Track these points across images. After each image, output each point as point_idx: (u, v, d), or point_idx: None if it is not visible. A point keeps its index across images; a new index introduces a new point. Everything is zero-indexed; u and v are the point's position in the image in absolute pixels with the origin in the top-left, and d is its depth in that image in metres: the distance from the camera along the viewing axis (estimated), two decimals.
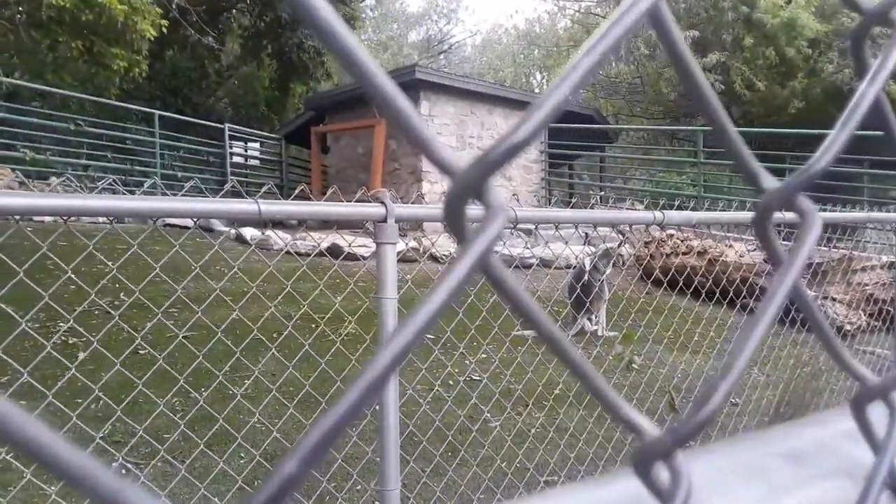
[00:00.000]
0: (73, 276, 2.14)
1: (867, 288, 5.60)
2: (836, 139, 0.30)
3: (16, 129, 10.07)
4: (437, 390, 3.44)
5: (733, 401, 3.55)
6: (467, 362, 4.44)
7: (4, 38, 11.41)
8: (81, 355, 4.06)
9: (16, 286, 1.79)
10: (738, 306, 3.69)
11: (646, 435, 0.28)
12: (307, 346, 2.33)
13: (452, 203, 0.24)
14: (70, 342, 4.41)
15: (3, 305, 1.81)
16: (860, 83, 0.32)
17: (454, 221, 0.24)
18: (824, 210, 3.42)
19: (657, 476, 0.27)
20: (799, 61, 14.25)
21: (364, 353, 3.55)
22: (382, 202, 1.77)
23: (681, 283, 3.46)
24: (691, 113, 15.90)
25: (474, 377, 3.94)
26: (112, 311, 4.51)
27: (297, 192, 2.01)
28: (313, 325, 4.51)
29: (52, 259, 2.13)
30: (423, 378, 3.56)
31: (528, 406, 3.47)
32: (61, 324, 4.72)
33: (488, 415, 3.26)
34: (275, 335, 4.79)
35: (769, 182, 0.32)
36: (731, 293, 3.73)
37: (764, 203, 0.31)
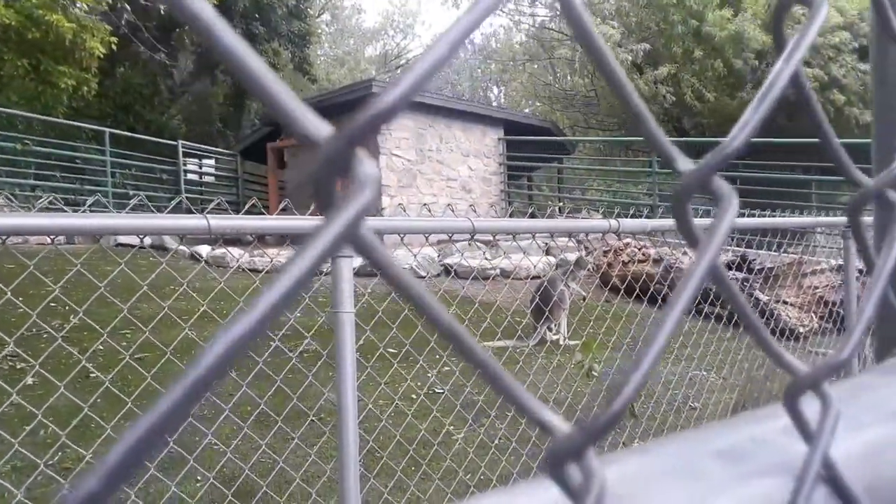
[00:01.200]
0: (17, 299, 2.06)
1: (818, 291, 5.75)
2: (750, 118, 0.30)
3: None
4: (398, 404, 3.41)
5: (692, 405, 3.60)
6: (429, 375, 4.42)
7: None
8: (29, 380, 3.92)
9: None
10: (692, 312, 3.75)
11: (557, 433, 0.27)
12: (261, 363, 2.28)
13: (321, 177, 0.22)
14: (18, 367, 4.26)
15: None
16: (777, 61, 0.32)
17: (323, 195, 0.22)
18: (774, 216, 3.51)
19: (570, 477, 0.26)
20: (746, 73, 14.68)
21: (322, 369, 3.50)
22: None
23: (637, 291, 3.50)
24: None
25: (437, 390, 3.92)
26: (55, 334, 4.38)
27: (247, 206, 1.98)
28: (271, 343, 4.44)
29: None
30: (383, 392, 3.52)
31: (489, 417, 3.46)
32: (9, 347, 4.56)
33: (451, 427, 3.24)
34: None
35: (685, 164, 0.32)
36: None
37: (681, 185, 0.31)
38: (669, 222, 2.89)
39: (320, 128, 0.21)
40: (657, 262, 6.26)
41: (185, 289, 2.39)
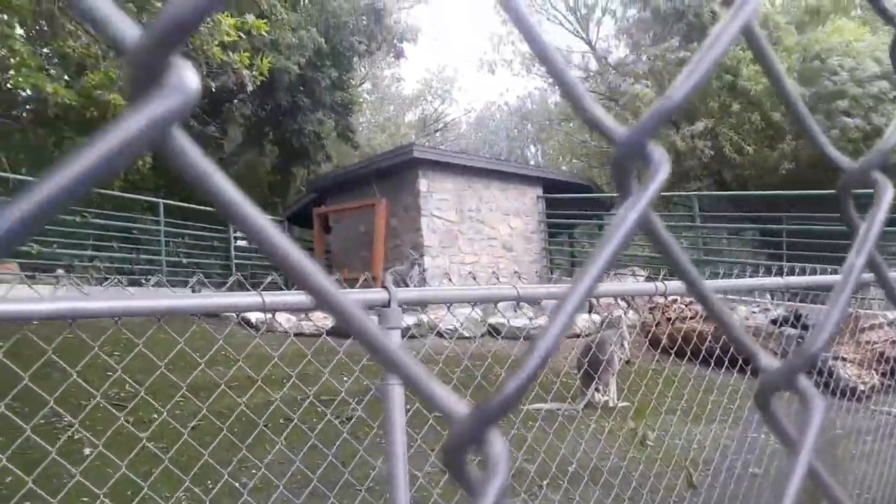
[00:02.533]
0: (75, 372, 2.11)
1: (876, 346, 5.52)
2: (693, 71, 0.31)
3: None
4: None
5: (753, 471, 3.44)
6: None
7: (11, 137, 11.70)
8: (87, 451, 3.97)
9: (20, 386, 1.77)
10: (748, 372, 3.62)
11: (455, 419, 0.26)
12: (313, 438, 2.27)
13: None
14: (75, 437, 4.32)
15: (6, 412, 1.78)
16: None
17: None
18: (826, 270, 3.41)
19: (468, 470, 0.25)
20: (785, 124, 14.55)
21: (373, 438, 3.46)
22: (385, 287, 1.76)
23: (689, 352, 3.41)
24: (684, 177, 16.11)
25: None
26: (109, 406, 4.44)
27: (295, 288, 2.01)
28: (320, 410, 4.43)
29: (56, 357, 2.11)
30: (432, 462, 3.46)
31: (542, 487, 3.36)
32: (66, 419, 4.64)
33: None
34: (282, 421, 4.69)
35: (620, 132, 0.34)
36: (740, 359, 3.68)
37: (620, 150, 0.33)
38: (718, 283, 2.83)
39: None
40: (706, 319, 6.10)
41: (231, 355, 2.41)
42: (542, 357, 0.26)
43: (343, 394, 2.91)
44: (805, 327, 5.91)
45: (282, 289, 2.15)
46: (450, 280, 3.08)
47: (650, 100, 16.13)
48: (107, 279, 10.53)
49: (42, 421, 4.37)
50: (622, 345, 5.24)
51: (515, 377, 0.25)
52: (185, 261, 12.73)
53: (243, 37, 7.96)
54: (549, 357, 0.26)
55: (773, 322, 6.22)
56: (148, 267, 11.81)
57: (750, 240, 12.29)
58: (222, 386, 3.37)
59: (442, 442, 0.25)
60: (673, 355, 3.79)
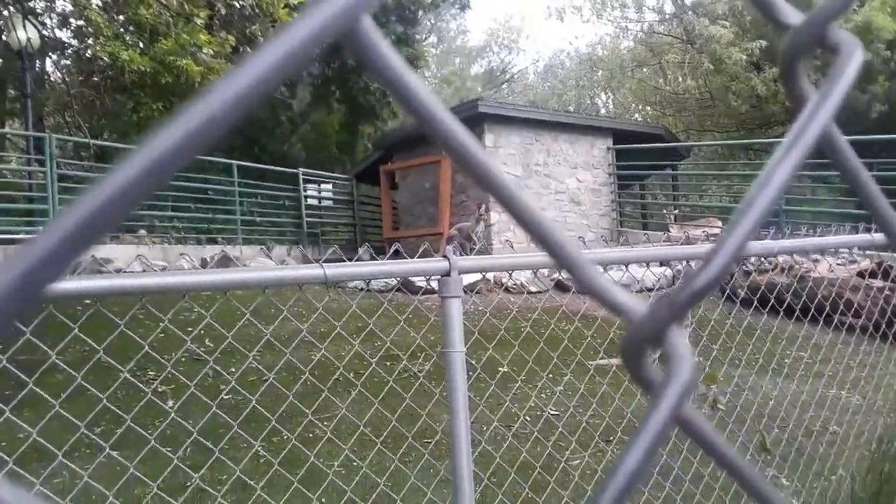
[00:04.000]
0: (165, 324, 2.21)
1: None
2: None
3: None
4: (509, 428, 3.35)
5: (832, 429, 3.30)
6: (543, 395, 4.33)
7: (92, 103, 12.21)
8: (171, 403, 4.19)
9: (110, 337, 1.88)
10: (834, 323, 3.45)
11: (634, 316, 0.25)
12: (391, 383, 2.30)
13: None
14: (159, 390, 4.56)
15: (104, 356, 1.88)
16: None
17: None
18: None
19: (648, 369, 0.25)
20: (878, 64, 13.55)
21: (427, 392, 3.50)
22: (446, 256, 1.74)
23: (772, 302, 3.27)
24: (766, 124, 15.31)
25: (550, 412, 3.82)
26: (203, 356, 4.64)
27: (362, 249, 2.02)
28: (388, 364, 4.52)
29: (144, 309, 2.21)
30: (486, 416, 3.48)
31: (609, 442, 3.33)
32: (150, 371, 4.90)
33: (568, 453, 3.15)
34: (351, 375, 4.80)
35: (794, 18, 0.30)
36: (826, 310, 3.50)
37: (792, 40, 0.29)
38: (801, 242, 2.67)
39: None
40: (785, 270, 5.84)
41: (316, 313, 2.46)
42: (731, 255, 0.25)
43: (412, 343, 2.94)
44: (894, 281, 5.57)
45: (343, 256, 2.17)
46: (510, 244, 3.04)
47: (728, 41, 15.31)
48: (185, 238, 11.00)
49: (137, 371, 4.63)
50: None
51: (703, 274, 0.25)
52: (258, 219, 13.11)
53: None
54: (736, 259, 0.25)
55: (860, 275, 5.90)
56: (223, 227, 12.23)
57: (836, 187, 11.63)
58: (295, 342, 3.46)
59: (621, 341, 0.26)
60: (751, 309, 3.64)
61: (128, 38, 11.04)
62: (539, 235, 0.26)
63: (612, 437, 3.47)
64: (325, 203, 15.16)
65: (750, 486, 0.31)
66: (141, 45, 10.94)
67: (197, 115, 0.18)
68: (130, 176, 0.17)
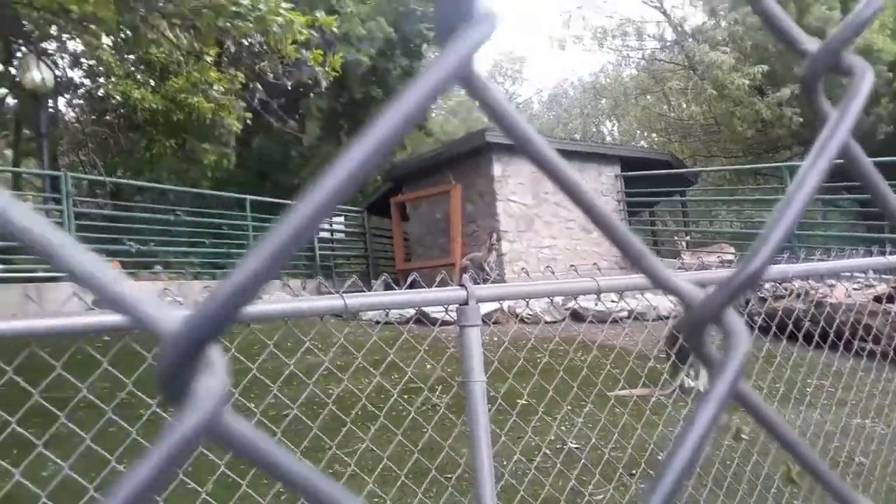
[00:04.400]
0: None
1: None
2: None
3: (121, 224, 10.80)
4: (532, 460, 3.32)
5: (858, 459, 3.25)
6: (563, 427, 4.30)
7: (105, 141, 12.38)
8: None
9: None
10: (854, 349, 3.42)
11: (693, 300, 0.29)
12: (412, 415, 2.29)
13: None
14: None
15: (130, 390, 1.88)
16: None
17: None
18: None
19: (709, 348, 0.28)
20: (881, 86, 13.61)
21: (462, 427, 3.48)
22: (463, 285, 1.76)
23: (790, 328, 3.25)
24: (773, 148, 15.34)
25: (572, 444, 3.79)
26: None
27: (379, 280, 2.04)
28: (406, 397, 4.50)
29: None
30: (508, 449, 3.45)
31: (632, 476, 3.29)
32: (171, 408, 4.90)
33: (592, 487, 3.11)
34: (372, 408, 4.78)
35: (811, 45, 0.34)
36: (846, 336, 3.47)
37: (811, 65, 0.33)
38: (816, 266, 2.67)
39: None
40: (800, 296, 5.81)
41: (337, 345, 2.47)
42: (776, 244, 0.29)
43: (429, 376, 2.93)
44: None
45: (362, 285, 2.18)
46: (525, 272, 3.05)
47: (730, 67, 15.42)
48: (200, 274, 11.05)
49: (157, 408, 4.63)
50: None
51: (749, 267, 0.28)
52: None
53: (315, 34, 8.11)
54: (777, 252, 0.29)
55: (877, 300, 5.86)
56: (238, 262, 12.27)
57: (846, 211, 11.61)
58: (316, 376, 3.47)
59: (683, 319, 0.30)
60: (770, 336, 3.62)
61: (139, 77, 11.24)
62: (612, 234, 0.32)
63: (635, 471, 3.44)
64: (338, 236, 15.24)
65: (809, 466, 0.36)
66: (152, 83, 11.13)
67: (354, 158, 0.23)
68: (302, 218, 0.22)
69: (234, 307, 0.20)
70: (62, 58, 13.48)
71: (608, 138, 29.90)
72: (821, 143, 0.31)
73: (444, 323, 5.80)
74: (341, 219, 15.15)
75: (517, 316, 6.46)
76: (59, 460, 2.06)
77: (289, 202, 13.35)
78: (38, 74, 10.06)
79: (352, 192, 0.23)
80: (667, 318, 5.73)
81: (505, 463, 3.42)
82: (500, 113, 0.28)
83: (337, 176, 0.23)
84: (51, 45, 13.00)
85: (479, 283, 2.23)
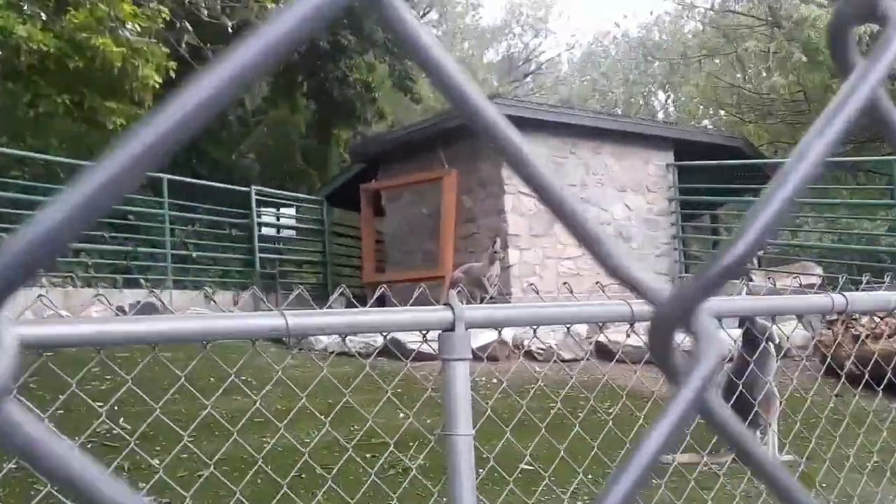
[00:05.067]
0: (70, 393, 2.21)
1: None
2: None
3: None
4: None
5: None
6: (581, 503, 4.30)
7: None
8: None
9: None
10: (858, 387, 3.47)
11: (658, 300, 0.32)
12: (372, 479, 2.31)
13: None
14: (55, 489, 4.53)
15: None
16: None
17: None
18: None
19: (672, 352, 0.31)
20: None
21: (442, 494, 3.47)
22: (448, 304, 1.75)
23: (889, 376, 3.27)
24: (880, 136, 15.40)
25: None
26: (115, 442, 4.63)
27: (336, 293, 2.04)
28: (366, 455, 4.49)
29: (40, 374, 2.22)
30: None
31: None
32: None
33: None
34: (319, 470, 4.76)
35: None
36: None
37: (842, 9, 0.35)
38: None
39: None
40: None
41: (252, 382, 2.47)
42: (765, 228, 0.31)
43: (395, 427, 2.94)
44: None
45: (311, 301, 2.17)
46: (534, 289, 3.06)
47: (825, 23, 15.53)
48: (94, 279, 10.98)
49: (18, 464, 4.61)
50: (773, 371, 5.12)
51: (726, 255, 0.30)
52: (195, 254, 13.10)
53: None
54: (766, 237, 0.32)
55: None
56: (147, 264, 12.22)
57: None
58: (241, 421, 3.47)
59: (647, 324, 0.32)
60: (860, 387, 3.65)
61: (25, 8, 11.18)
62: (560, 211, 0.33)
63: None
64: (286, 233, 15.21)
65: (769, 479, 0.40)
66: (43, 16, 11.06)
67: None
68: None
69: None
70: None
71: (660, 114, 30.04)
72: (840, 98, 0.33)
73: (422, 356, 5.79)
74: (291, 210, 15.12)
75: (523, 349, 6.48)
76: None
77: (222, 185, 13.34)
78: None
79: (186, 139, 0.24)
80: (727, 360, 5.75)
81: None
82: (415, 47, 0.29)
83: (170, 115, 0.23)
84: None
85: (474, 303, 2.23)
